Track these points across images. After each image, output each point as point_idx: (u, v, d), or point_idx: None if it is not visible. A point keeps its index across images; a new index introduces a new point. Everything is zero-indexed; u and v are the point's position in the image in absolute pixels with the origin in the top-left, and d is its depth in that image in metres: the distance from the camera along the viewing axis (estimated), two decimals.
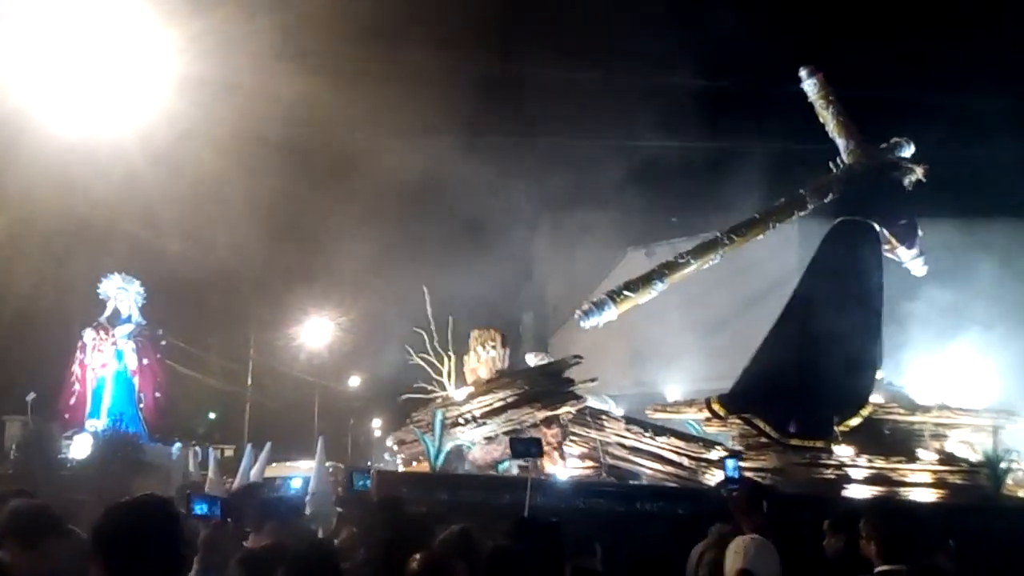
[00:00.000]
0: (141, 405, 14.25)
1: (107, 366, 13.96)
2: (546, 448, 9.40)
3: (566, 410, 9.34)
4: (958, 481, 9.22)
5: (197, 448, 21.18)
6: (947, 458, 9.39)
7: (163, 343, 15.40)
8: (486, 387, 9.59)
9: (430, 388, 10.67)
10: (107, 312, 14.25)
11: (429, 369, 10.46)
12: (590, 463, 9.43)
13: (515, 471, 9.89)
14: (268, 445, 21.13)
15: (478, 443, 9.53)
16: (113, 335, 14.04)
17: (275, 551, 5.12)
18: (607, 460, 9.34)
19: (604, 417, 9.60)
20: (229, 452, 29.35)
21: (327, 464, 28.15)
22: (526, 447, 7.66)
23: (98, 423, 13.49)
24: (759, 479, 9.24)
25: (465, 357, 10.22)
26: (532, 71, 18.15)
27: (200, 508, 5.52)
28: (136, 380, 14.09)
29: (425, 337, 10.50)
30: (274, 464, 23.60)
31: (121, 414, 13.64)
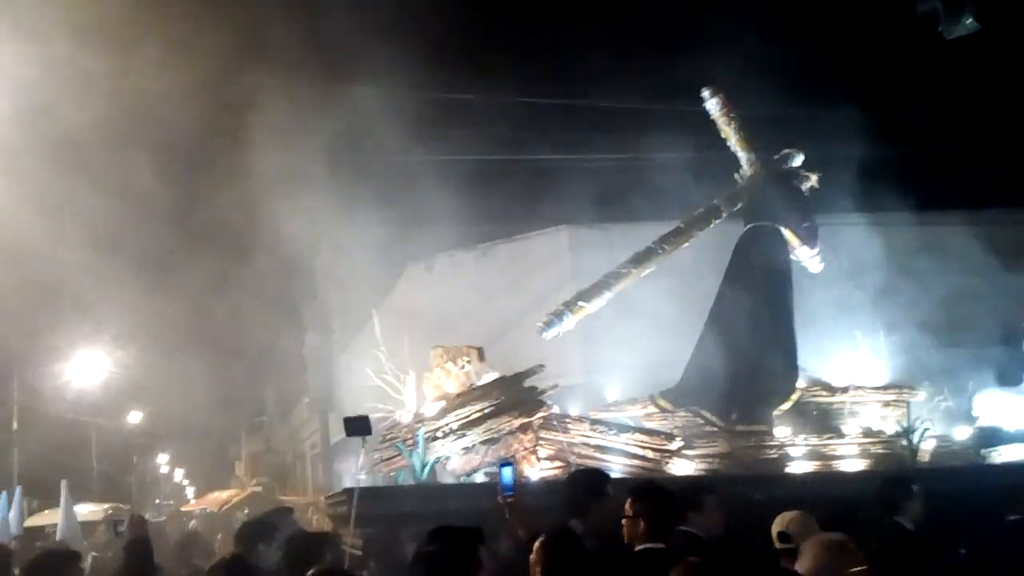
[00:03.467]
0: None
1: None
2: (523, 453, 10.03)
3: (539, 416, 9.94)
4: (880, 451, 10.48)
5: None
6: (868, 432, 10.64)
7: None
8: (461, 400, 10.05)
9: (382, 407, 11.05)
10: None
11: (388, 388, 10.83)
12: (559, 463, 10.01)
13: (482, 478, 10.46)
14: (18, 490, 20.40)
15: (456, 454, 9.99)
16: None
17: None
18: (574, 460, 9.94)
19: (568, 420, 10.25)
20: None
21: (106, 506, 27.22)
22: (358, 426, 8.14)
23: None
24: (708, 464, 10.23)
25: (426, 374, 10.64)
26: (300, 85, 18.27)
27: None
28: None
29: (382, 357, 10.88)
30: (47, 512, 22.62)
31: None
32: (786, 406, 10.66)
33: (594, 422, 10.26)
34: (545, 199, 20.70)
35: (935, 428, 10.90)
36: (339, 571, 5.68)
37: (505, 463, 7.15)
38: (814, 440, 10.35)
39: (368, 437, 8.62)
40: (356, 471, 10.79)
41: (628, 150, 21.56)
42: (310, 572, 5.25)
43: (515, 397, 10.02)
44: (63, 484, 18.75)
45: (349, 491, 9.65)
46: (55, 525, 19.13)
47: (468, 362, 10.20)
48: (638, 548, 5.48)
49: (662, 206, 20.78)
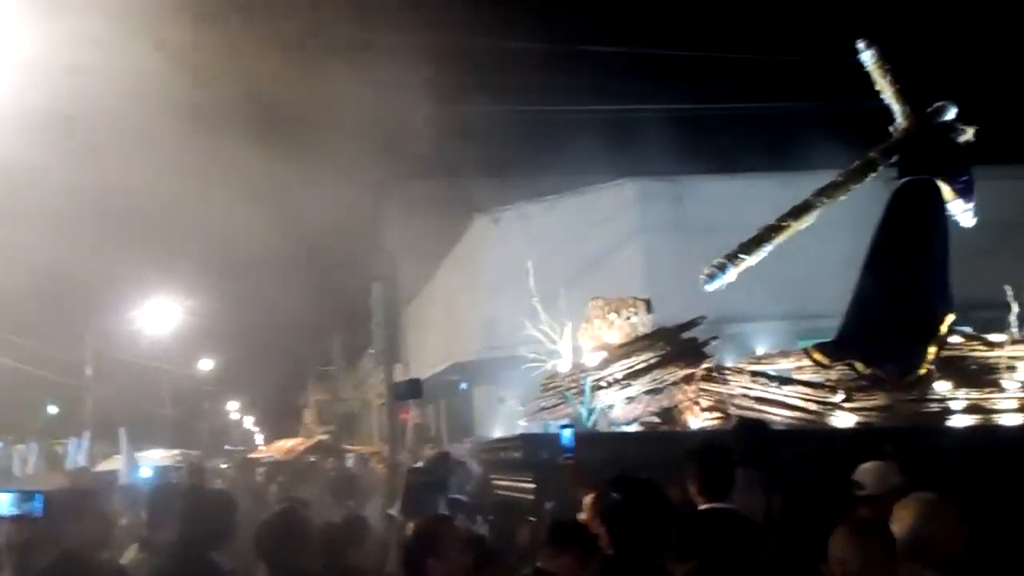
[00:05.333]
0: None
1: None
2: (686, 404, 10.09)
3: (704, 367, 9.99)
4: None
5: (22, 446, 20.16)
6: None
7: None
8: (624, 350, 10.12)
9: (534, 356, 11.17)
10: None
11: (543, 339, 10.91)
12: (718, 414, 10.05)
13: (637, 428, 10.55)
14: (87, 435, 20.39)
15: (619, 403, 10.07)
16: None
17: None
18: (734, 411, 9.98)
19: (728, 371, 10.29)
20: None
21: (175, 452, 27.80)
22: (407, 390, 8.16)
23: None
24: (866, 418, 10.21)
25: (584, 325, 10.71)
26: (377, 34, 18.23)
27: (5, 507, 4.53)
28: None
29: (539, 308, 10.95)
30: (117, 457, 23.05)
31: None
32: (931, 356, 10.54)
33: (755, 374, 10.28)
34: (612, 151, 20.65)
35: None
36: (443, 518, 5.86)
37: (565, 425, 7.25)
38: (975, 394, 10.29)
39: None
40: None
41: (695, 101, 21.40)
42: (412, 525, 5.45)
43: (679, 348, 10.07)
44: (121, 431, 19.06)
45: (522, 437, 9.81)
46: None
47: (634, 313, 10.25)
48: (701, 507, 5.58)
49: (732, 159, 20.77)
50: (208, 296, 35.16)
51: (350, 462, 25.59)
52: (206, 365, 45.89)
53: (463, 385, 26.26)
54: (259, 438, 58.07)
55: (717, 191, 19.71)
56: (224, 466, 30.11)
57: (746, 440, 7.07)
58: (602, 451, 8.81)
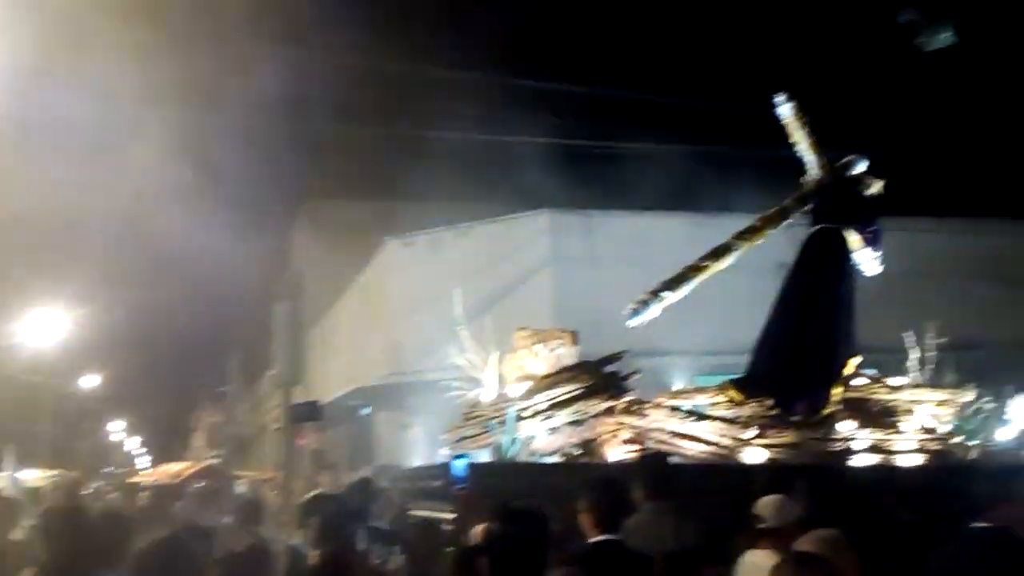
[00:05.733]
0: None
1: None
2: (607, 436, 10.40)
3: (625, 400, 10.32)
4: (935, 447, 10.99)
5: None
6: (925, 429, 11.14)
7: None
8: (549, 382, 10.38)
9: (457, 385, 11.35)
10: None
11: (466, 367, 11.11)
12: (636, 447, 10.38)
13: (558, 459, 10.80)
14: None
15: (542, 434, 10.32)
16: None
17: None
18: (651, 444, 10.32)
19: (646, 405, 10.63)
20: None
21: (52, 473, 27.17)
22: (306, 412, 8.40)
23: None
24: (776, 453, 10.65)
25: (508, 355, 10.94)
26: (289, 55, 18.39)
27: None
28: None
29: (465, 336, 11.16)
30: None
31: None
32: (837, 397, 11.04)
33: (673, 408, 10.63)
34: (528, 181, 21.07)
35: (980, 428, 11.47)
36: (352, 546, 5.92)
37: (458, 456, 7.45)
38: (878, 434, 10.79)
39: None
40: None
41: (613, 138, 21.97)
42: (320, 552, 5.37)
43: (602, 381, 10.38)
44: (7, 450, 18.53)
45: (443, 466, 9.97)
46: None
47: (561, 345, 10.53)
48: (592, 540, 5.73)
49: (644, 195, 21.35)
50: (97, 308, 33.95)
51: (241, 488, 25.09)
52: (90, 381, 43.92)
53: (365, 410, 26.19)
54: (144, 460, 56.29)
55: (628, 227, 20.25)
56: (98, 488, 29.08)
57: (650, 473, 7.30)
58: (513, 481, 9.08)
